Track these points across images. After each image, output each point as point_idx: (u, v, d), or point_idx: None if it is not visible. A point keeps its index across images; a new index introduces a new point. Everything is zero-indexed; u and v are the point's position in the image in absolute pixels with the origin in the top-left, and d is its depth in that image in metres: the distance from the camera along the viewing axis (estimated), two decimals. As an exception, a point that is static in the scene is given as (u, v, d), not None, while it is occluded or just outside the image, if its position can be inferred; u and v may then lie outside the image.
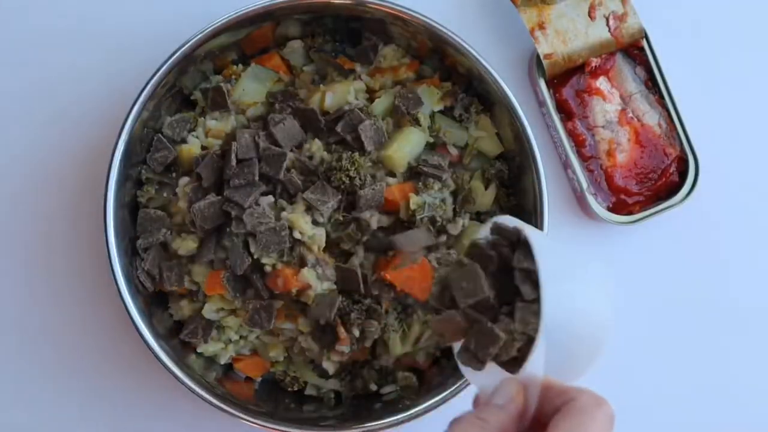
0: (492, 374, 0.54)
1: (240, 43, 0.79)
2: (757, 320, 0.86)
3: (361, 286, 0.75)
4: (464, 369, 0.56)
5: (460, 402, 0.72)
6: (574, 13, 0.82)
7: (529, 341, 0.52)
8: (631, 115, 0.83)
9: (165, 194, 0.78)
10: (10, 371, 0.83)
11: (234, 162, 0.74)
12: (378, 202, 0.75)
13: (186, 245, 0.76)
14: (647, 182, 0.82)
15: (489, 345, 0.53)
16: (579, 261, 0.56)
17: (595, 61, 0.82)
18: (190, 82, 0.79)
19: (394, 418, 0.74)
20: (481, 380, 0.55)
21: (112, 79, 0.83)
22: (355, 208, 0.75)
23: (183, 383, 0.74)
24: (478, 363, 0.54)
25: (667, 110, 0.83)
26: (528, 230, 0.54)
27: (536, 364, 0.51)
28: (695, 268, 0.85)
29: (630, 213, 0.82)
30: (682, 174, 0.83)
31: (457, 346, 0.57)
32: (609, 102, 0.83)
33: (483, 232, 0.59)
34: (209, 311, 0.77)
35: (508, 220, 0.57)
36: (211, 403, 0.74)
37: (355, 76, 0.80)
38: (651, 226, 0.84)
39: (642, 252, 0.85)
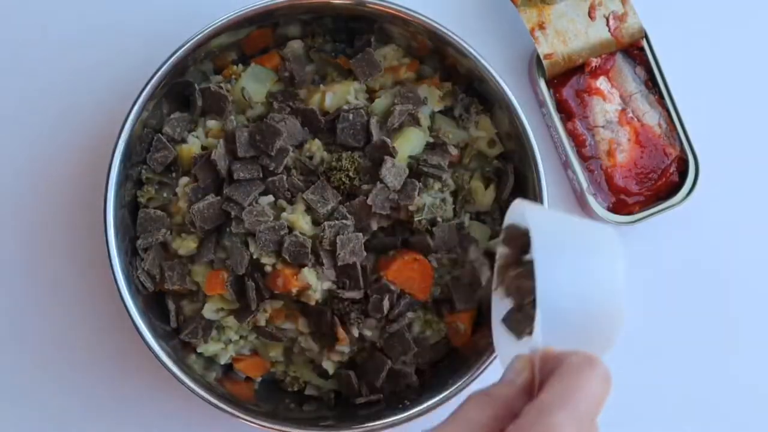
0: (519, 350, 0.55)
1: (240, 43, 0.79)
2: (757, 321, 0.86)
3: (361, 283, 0.75)
4: (497, 343, 0.57)
5: (460, 402, 0.72)
6: (574, 13, 0.82)
7: None
8: (631, 115, 0.83)
9: (165, 194, 0.78)
10: (8, 371, 0.83)
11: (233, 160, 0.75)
12: (383, 208, 0.75)
13: (186, 245, 0.76)
14: (647, 182, 0.83)
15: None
16: (589, 236, 0.55)
17: (595, 61, 0.82)
18: (190, 82, 0.79)
19: (395, 418, 0.74)
20: (509, 355, 0.55)
21: (112, 79, 0.83)
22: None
23: (183, 383, 0.74)
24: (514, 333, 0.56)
25: (667, 110, 0.83)
26: (529, 213, 0.54)
27: (537, 337, 0.51)
28: (695, 268, 0.85)
29: (630, 213, 0.82)
30: (682, 174, 0.83)
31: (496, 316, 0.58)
32: (609, 102, 0.83)
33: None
34: (209, 311, 0.77)
35: (518, 216, 0.57)
36: (211, 403, 0.74)
37: (354, 76, 0.80)
38: (651, 226, 0.84)
39: (642, 252, 0.85)
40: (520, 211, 0.57)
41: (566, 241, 0.53)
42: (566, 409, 0.46)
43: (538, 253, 0.50)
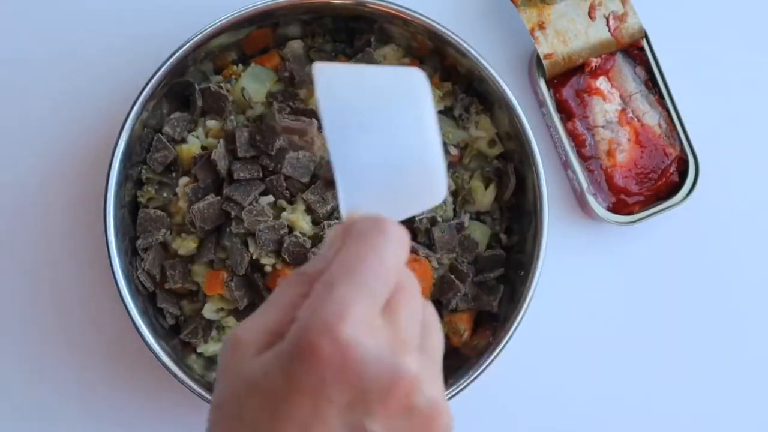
0: None
1: (240, 43, 0.79)
2: (757, 320, 0.86)
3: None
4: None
5: (462, 401, 0.72)
6: (574, 13, 0.82)
7: None
8: (631, 115, 0.83)
9: (165, 194, 0.78)
10: (9, 371, 0.83)
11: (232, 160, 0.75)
12: None
13: (186, 245, 0.76)
14: (647, 182, 0.83)
15: None
16: (388, 85, 0.51)
17: (595, 61, 0.82)
18: (190, 82, 0.79)
19: (394, 418, 0.74)
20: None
21: (112, 79, 0.83)
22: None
23: (183, 383, 0.74)
24: None
25: (667, 110, 0.83)
26: (318, 76, 0.48)
27: (342, 207, 0.47)
28: (695, 268, 0.85)
29: (630, 213, 0.82)
30: (682, 174, 0.83)
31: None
32: (609, 102, 0.83)
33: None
34: (209, 311, 0.77)
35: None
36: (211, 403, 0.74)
37: (354, 76, 0.80)
38: (651, 226, 0.84)
39: (642, 252, 0.85)
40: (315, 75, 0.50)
41: (362, 96, 0.48)
42: (351, 282, 0.41)
43: (326, 116, 0.46)
